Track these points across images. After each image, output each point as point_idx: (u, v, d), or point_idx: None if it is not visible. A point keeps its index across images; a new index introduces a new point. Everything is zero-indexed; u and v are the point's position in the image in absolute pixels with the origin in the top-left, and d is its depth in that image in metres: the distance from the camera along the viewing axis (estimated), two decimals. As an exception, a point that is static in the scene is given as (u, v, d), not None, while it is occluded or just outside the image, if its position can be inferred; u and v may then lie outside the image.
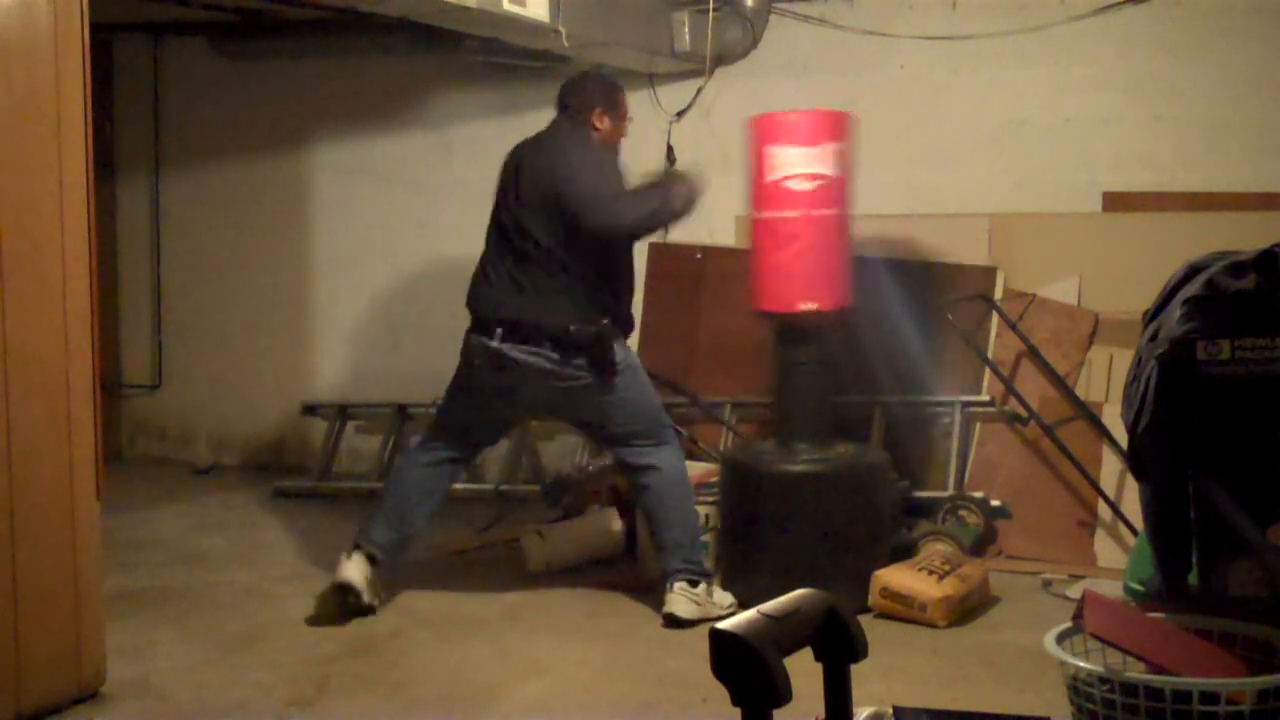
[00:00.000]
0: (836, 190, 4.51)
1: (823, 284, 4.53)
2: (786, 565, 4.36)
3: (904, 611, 4.37)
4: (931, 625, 4.31)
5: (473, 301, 4.50)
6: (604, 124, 4.53)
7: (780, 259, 4.49)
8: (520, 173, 4.48)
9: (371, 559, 4.48)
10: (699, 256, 6.09)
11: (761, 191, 4.53)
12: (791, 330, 4.59)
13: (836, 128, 4.52)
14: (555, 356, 4.31)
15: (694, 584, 4.38)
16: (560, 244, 4.35)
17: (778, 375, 4.68)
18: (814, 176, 4.45)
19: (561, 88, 4.65)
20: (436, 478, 4.59)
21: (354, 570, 4.45)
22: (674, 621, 4.32)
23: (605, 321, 4.35)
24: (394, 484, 4.67)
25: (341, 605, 4.42)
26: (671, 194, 4.43)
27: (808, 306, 4.51)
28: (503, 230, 4.47)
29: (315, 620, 4.40)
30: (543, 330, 4.32)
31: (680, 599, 4.35)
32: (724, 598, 4.44)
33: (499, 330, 4.35)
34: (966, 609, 4.44)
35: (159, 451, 7.30)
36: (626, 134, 4.65)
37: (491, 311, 4.41)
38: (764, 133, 4.52)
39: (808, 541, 4.46)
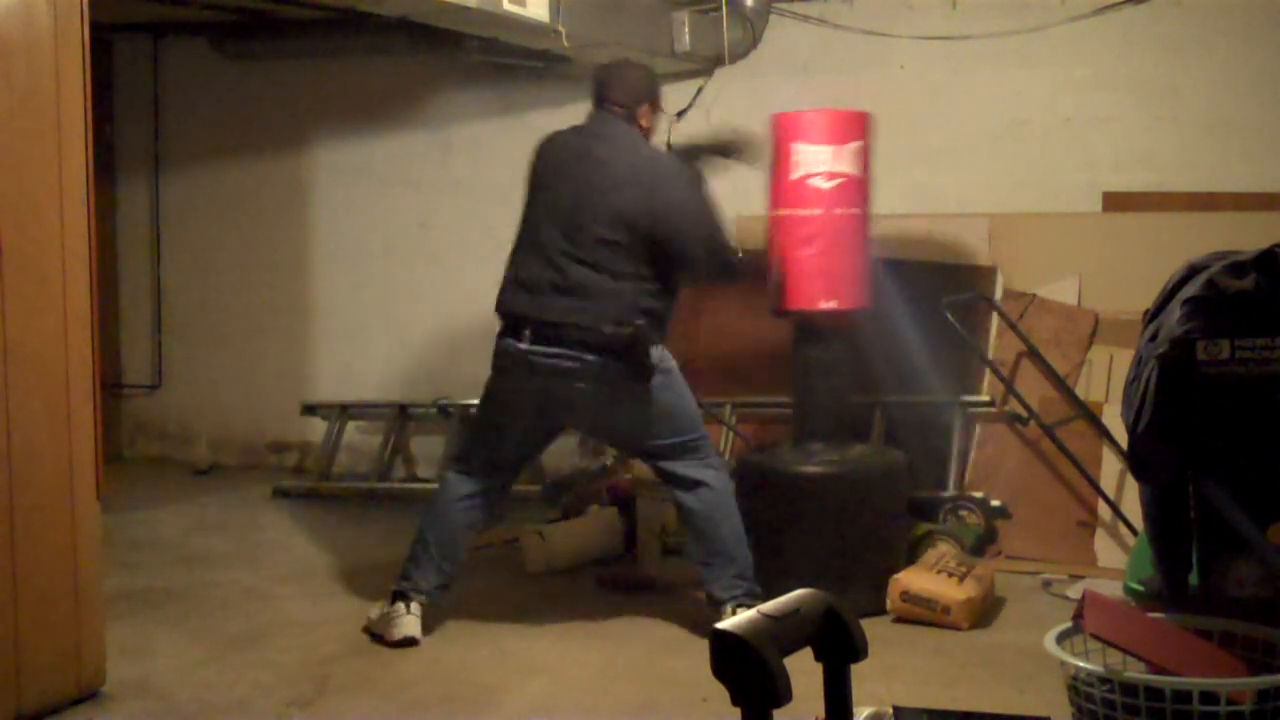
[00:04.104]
0: (857, 189, 4.51)
1: (843, 282, 4.52)
2: (804, 568, 4.27)
3: (925, 615, 4.31)
4: (954, 628, 4.28)
5: (504, 302, 4.22)
6: (648, 123, 4.33)
7: (802, 257, 4.48)
8: (575, 170, 4.18)
9: (422, 604, 4.24)
10: None
11: (784, 189, 4.51)
12: (811, 329, 4.59)
13: (859, 127, 4.53)
14: (587, 359, 4.07)
15: (749, 608, 4.23)
16: (634, 246, 4.10)
17: (797, 375, 4.67)
18: (837, 175, 4.46)
19: (599, 78, 4.33)
20: (476, 511, 4.32)
21: (414, 626, 4.19)
22: None
23: (642, 323, 4.09)
24: (432, 525, 4.30)
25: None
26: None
27: (828, 305, 4.50)
28: (548, 226, 4.16)
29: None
30: (575, 331, 4.07)
31: None
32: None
33: (527, 332, 4.11)
34: (984, 610, 4.42)
35: (159, 451, 7.30)
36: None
37: (523, 310, 4.14)
38: (790, 130, 4.50)
39: (825, 543, 4.44)
